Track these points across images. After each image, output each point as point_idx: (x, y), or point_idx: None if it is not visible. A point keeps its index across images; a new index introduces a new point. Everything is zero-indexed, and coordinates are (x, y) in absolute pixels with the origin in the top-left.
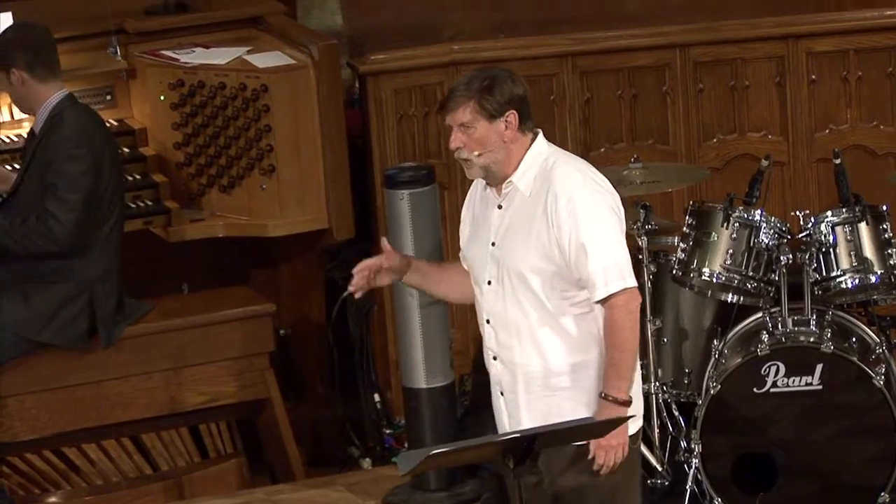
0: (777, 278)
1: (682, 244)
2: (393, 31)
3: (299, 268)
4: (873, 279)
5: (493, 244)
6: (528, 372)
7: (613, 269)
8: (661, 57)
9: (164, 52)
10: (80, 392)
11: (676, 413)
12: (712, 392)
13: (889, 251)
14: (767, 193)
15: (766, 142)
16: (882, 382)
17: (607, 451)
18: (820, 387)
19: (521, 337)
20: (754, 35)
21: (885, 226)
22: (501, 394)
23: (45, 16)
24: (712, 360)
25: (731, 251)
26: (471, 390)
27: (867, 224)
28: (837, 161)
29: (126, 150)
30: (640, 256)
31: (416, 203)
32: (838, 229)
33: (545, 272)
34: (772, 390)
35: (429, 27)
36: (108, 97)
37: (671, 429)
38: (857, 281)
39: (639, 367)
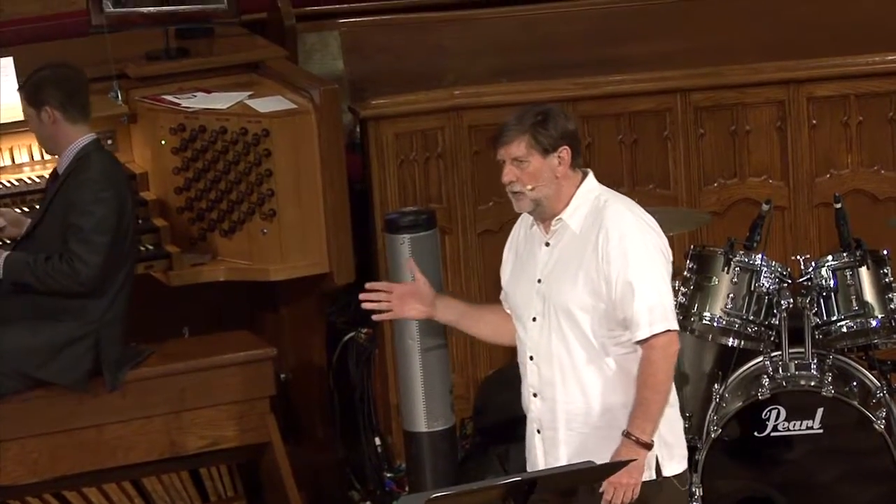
0: (778, 322)
1: (682, 288)
2: (394, 76)
3: (300, 312)
4: (874, 323)
5: (539, 281)
6: (570, 409)
7: (658, 310)
8: (662, 102)
9: (165, 96)
10: (81, 436)
11: None
12: (713, 436)
13: (890, 295)
14: (768, 238)
15: (767, 186)
16: (883, 426)
17: (616, 489)
18: (821, 431)
19: (564, 374)
20: (755, 80)
21: (885, 270)
22: (538, 431)
23: (46, 61)
24: (713, 403)
25: (731, 295)
26: (471, 434)
27: (868, 268)
28: (838, 206)
29: None
30: None
31: (416, 248)
32: (839, 274)
33: (592, 309)
34: (773, 434)
35: (430, 72)
36: (110, 141)
37: None
38: (857, 325)
39: (678, 406)
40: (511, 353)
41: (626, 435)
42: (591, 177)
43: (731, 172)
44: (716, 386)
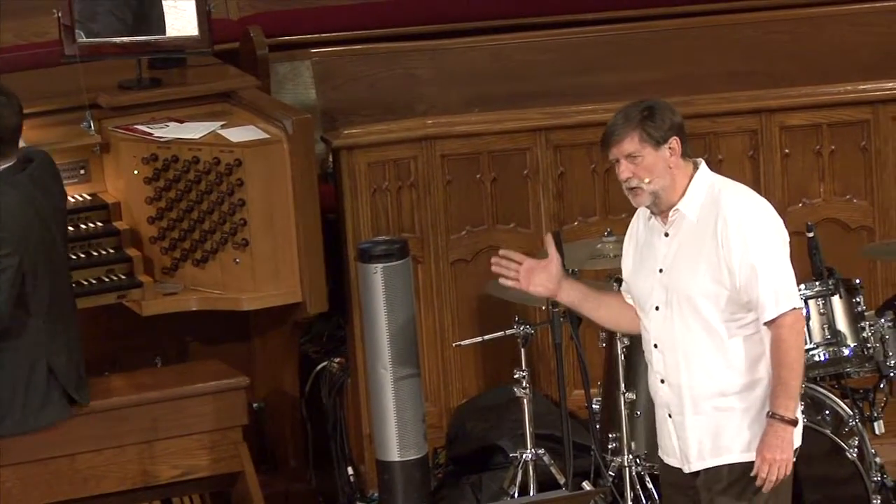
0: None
1: None
2: (367, 105)
3: (273, 341)
4: (846, 352)
5: (660, 271)
6: (697, 393)
7: (783, 290)
8: None
9: (137, 126)
10: (53, 465)
11: (650, 485)
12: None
13: (862, 324)
14: None
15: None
16: (855, 455)
17: (771, 465)
18: (794, 460)
19: (689, 359)
20: (727, 109)
21: (858, 299)
22: (669, 416)
23: (18, 90)
24: None
25: None
26: (444, 463)
27: (840, 297)
28: (811, 234)
29: (99, 224)
30: None
31: (389, 277)
32: (811, 302)
33: (714, 295)
34: None
35: (402, 101)
36: (82, 171)
37: (644, 501)
38: (830, 354)
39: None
40: (484, 381)
41: (771, 416)
42: (703, 167)
43: None
44: None
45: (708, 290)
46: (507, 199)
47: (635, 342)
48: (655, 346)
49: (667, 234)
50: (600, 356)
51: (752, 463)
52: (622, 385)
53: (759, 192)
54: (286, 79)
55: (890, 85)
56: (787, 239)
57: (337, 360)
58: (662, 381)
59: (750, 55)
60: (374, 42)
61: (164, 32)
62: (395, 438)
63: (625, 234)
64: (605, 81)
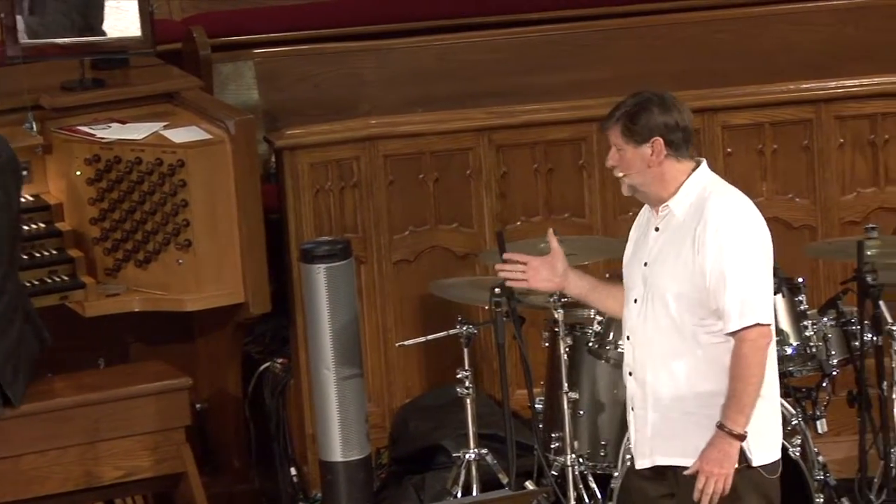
0: None
1: (598, 317)
2: (310, 106)
3: (216, 342)
4: (789, 351)
5: (645, 264)
6: (658, 392)
7: (749, 303)
8: (578, 131)
9: (80, 127)
10: None
11: (593, 485)
12: (629, 464)
13: (804, 323)
14: None
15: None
16: (798, 454)
17: (708, 479)
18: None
19: (655, 357)
20: None
21: (800, 298)
22: (633, 409)
23: None
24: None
25: None
26: (387, 464)
27: (783, 296)
28: None
29: (42, 225)
30: (556, 329)
31: (332, 277)
32: None
33: (686, 297)
34: None
35: (345, 102)
36: (24, 172)
37: (587, 500)
38: None
39: (773, 397)
40: (427, 381)
41: (720, 426)
42: (702, 167)
43: None
44: None
45: (680, 292)
46: (449, 199)
47: (578, 342)
48: (628, 337)
49: (657, 229)
50: (543, 356)
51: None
52: (565, 385)
53: None
54: (229, 79)
55: (832, 84)
56: (770, 253)
57: (280, 360)
58: (630, 374)
59: (694, 54)
60: (317, 42)
61: (107, 33)
62: (339, 439)
63: (566, 234)
64: (549, 81)
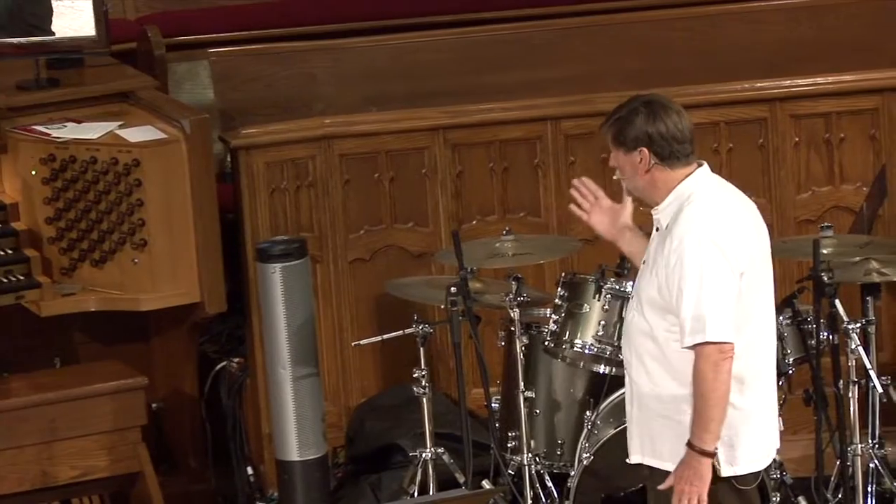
0: None
1: (554, 316)
2: (265, 105)
3: (172, 341)
4: None
5: (644, 263)
6: (640, 392)
7: (700, 321)
8: (533, 130)
9: (35, 126)
10: None
11: (549, 483)
12: (585, 463)
13: None
14: None
15: (638, 213)
16: None
17: (681, 496)
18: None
19: (636, 357)
20: None
21: None
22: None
23: None
24: (585, 430)
25: (603, 322)
26: (344, 463)
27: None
28: None
29: None
30: (512, 328)
31: (288, 276)
32: None
33: (657, 304)
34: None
35: (301, 101)
36: None
37: (544, 499)
38: None
39: (762, 408)
40: (384, 380)
41: (688, 444)
42: (696, 175)
43: None
44: (588, 413)
45: (651, 297)
46: (405, 198)
47: (534, 341)
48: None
49: (657, 230)
50: (499, 355)
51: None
52: (521, 384)
53: None
54: (184, 79)
55: (787, 83)
56: (738, 269)
57: (236, 360)
58: (625, 370)
59: (648, 54)
60: (271, 42)
61: (62, 33)
62: (295, 438)
63: (522, 233)
64: (503, 80)
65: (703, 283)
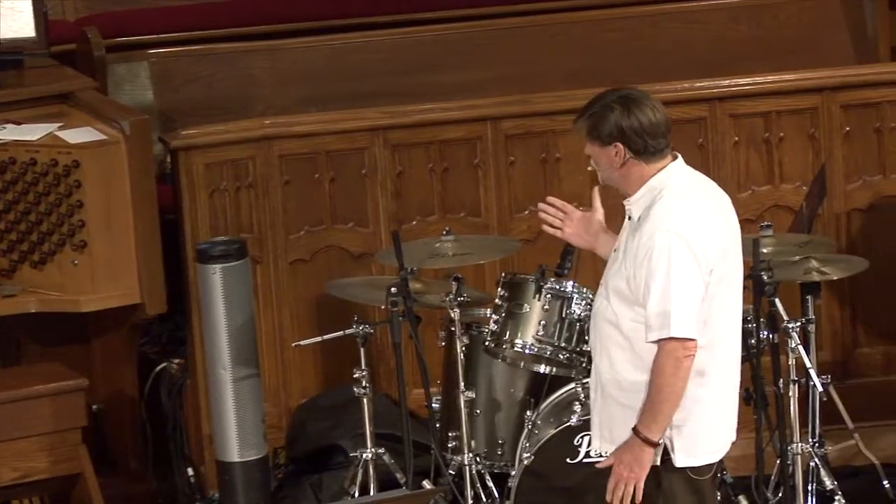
0: (589, 349)
1: (494, 316)
2: (205, 106)
3: (112, 343)
4: None
5: (615, 250)
6: (603, 378)
7: (664, 317)
8: (472, 130)
9: None
10: None
11: (490, 483)
12: (526, 463)
13: None
14: (579, 265)
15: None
16: None
17: (618, 480)
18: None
19: (598, 343)
20: (565, 107)
21: None
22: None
23: None
24: (525, 430)
25: (543, 322)
26: (284, 463)
27: None
28: None
29: None
30: (453, 328)
31: (228, 277)
32: None
33: (623, 295)
34: (585, 460)
35: (240, 102)
36: None
37: (485, 499)
38: None
39: (722, 401)
40: (324, 381)
41: (635, 430)
42: (669, 167)
43: (541, 200)
44: (528, 413)
45: (618, 287)
46: (345, 198)
47: (474, 341)
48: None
49: (629, 218)
50: (440, 355)
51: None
52: (462, 384)
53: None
54: (124, 80)
55: (726, 82)
56: (708, 265)
57: (176, 361)
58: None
59: (586, 54)
60: (211, 42)
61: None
62: (235, 439)
63: (462, 234)
64: (442, 81)
65: (670, 279)
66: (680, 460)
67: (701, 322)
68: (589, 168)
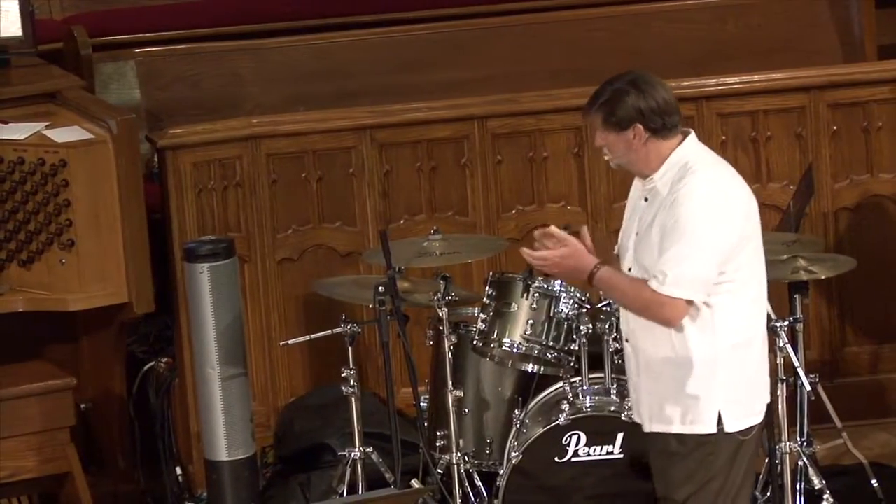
0: (577, 348)
1: (482, 315)
2: (192, 105)
3: (100, 342)
4: None
5: (636, 234)
6: (647, 357)
7: (680, 276)
8: (460, 129)
9: None
10: None
11: (478, 483)
12: (514, 462)
13: None
14: None
15: (566, 212)
16: None
17: (544, 258)
18: (621, 455)
19: (641, 324)
20: (552, 107)
21: None
22: (630, 376)
23: None
24: (514, 429)
25: (531, 321)
26: (273, 462)
27: None
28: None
29: None
30: (441, 327)
31: (215, 276)
32: None
33: None
34: (573, 459)
35: (227, 101)
36: None
37: (473, 499)
38: None
39: (765, 360)
40: (312, 380)
41: (595, 268)
42: (687, 142)
43: (529, 199)
44: (516, 412)
45: (656, 265)
46: (333, 197)
47: (462, 340)
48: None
49: (646, 199)
50: (428, 354)
51: (701, 437)
52: (450, 383)
53: (584, 189)
54: (110, 79)
55: (713, 81)
56: (731, 239)
57: (164, 360)
58: (627, 341)
59: (573, 53)
60: (198, 41)
61: None
62: (224, 438)
63: (450, 233)
64: (429, 80)
65: (695, 245)
66: (732, 426)
67: (710, 285)
68: (605, 157)
